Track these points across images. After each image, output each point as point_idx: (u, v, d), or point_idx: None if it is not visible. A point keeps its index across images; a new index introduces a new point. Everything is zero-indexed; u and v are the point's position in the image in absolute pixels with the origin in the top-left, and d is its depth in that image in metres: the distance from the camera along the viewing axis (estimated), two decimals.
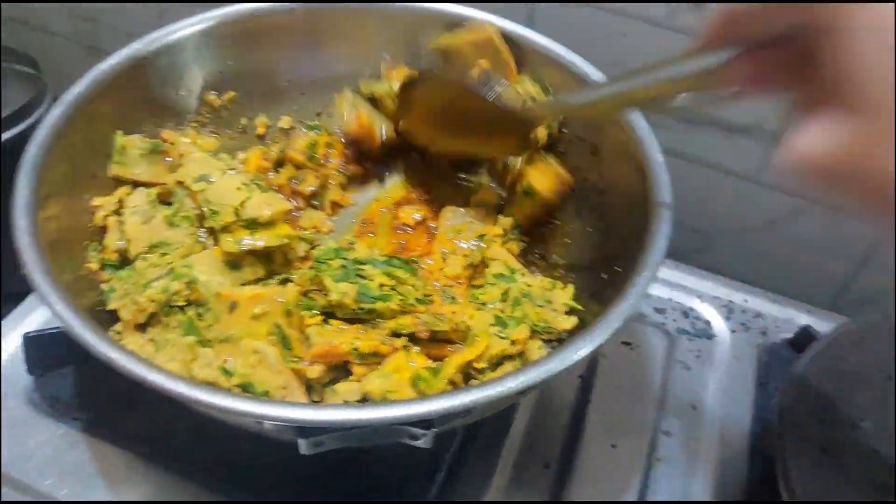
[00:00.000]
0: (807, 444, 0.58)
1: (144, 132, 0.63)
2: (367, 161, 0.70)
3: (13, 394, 0.62)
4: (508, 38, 0.66)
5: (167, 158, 0.63)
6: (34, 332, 0.61)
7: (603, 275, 0.58)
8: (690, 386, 0.68)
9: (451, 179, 0.69)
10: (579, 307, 0.58)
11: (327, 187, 0.68)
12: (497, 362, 0.54)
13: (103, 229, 0.59)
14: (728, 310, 0.75)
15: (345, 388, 0.53)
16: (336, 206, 0.68)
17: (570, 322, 0.57)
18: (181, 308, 0.54)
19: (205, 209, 0.57)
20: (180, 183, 0.59)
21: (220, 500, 0.56)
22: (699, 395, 0.68)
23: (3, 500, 0.56)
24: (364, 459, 0.57)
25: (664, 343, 0.71)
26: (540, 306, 0.58)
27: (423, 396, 0.50)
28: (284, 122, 0.71)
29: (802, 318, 0.74)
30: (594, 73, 0.61)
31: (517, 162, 0.65)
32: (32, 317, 0.67)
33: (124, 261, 0.58)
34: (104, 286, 0.55)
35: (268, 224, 0.57)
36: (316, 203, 0.68)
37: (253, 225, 0.57)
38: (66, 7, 0.95)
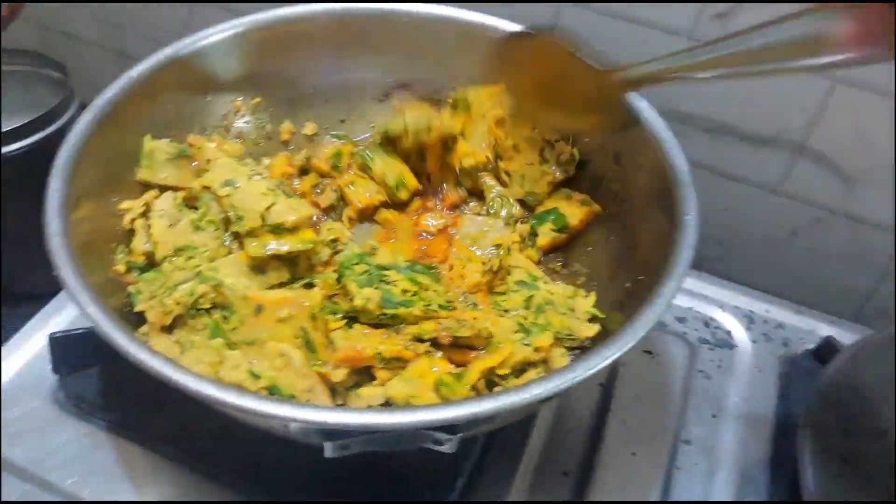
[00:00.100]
0: (829, 454, 0.57)
1: (171, 137, 0.64)
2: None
3: (38, 393, 0.63)
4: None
5: (193, 163, 0.63)
6: (60, 332, 0.61)
7: (626, 284, 0.58)
8: (711, 395, 0.68)
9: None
10: (601, 315, 0.58)
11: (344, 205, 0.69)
12: (521, 369, 0.54)
13: (131, 232, 0.59)
14: (749, 320, 0.74)
15: (368, 393, 0.53)
16: (353, 220, 0.69)
17: (593, 330, 0.57)
18: (207, 311, 0.55)
19: (230, 214, 0.58)
20: (206, 188, 0.60)
21: (243, 501, 0.57)
22: (720, 404, 0.67)
23: (27, 498, 0.56)
24: (385, 465, 0.58)
25: (685, 352, 0.71)
26: (563, 314, 0.58)
27: (446, 402, 0.50)
28: (309, 128, 0.71)
29: (824, 329, 0.73)
30: None
31: (543, 190, 0.66)
32: (58, 317, 0.68)
33: (150, 263, 0.58)
34: (131, 288, 0.56)
35: (292, 229, 0.58)
36: (333, 216, 0.69)
37: (278, 230, 0.57)
38: (94, 13, 0.96)
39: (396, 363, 0.54)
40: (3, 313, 0.76)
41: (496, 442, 0.61)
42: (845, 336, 0.71)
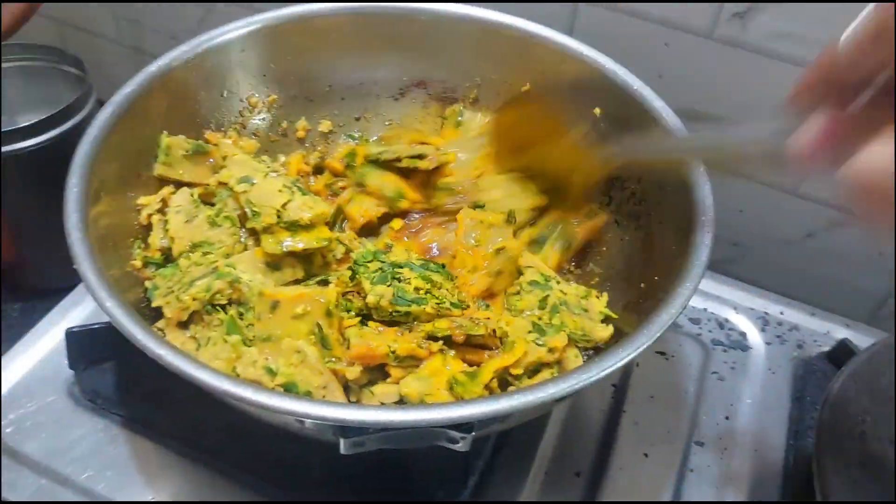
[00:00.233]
0: (845, 459, 0.57)
1: (188, 133, 0.64)
2: None
3: (54, 388, 0.63)
4: None
5: (210, 160, 0.64)
6: (77, 327, 0.62)
7: (641, 284, 0.58)
8: (724, 397, 0.68)
9: None
10: (614, 315, 0.58)
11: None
12: (534, 370, 0.54)
13: (148, 227, 0.60)
14: (764, 321, 0.74)
15: (382, 390, 0.53)
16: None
17: (608, 331, 0.57)
18: (222, 307, 0.55)
19: (247, 210, 0.58)
20: (223, 184, 0.60)
21: (256, 499, 0.57)
22: (733, 406, 0.67)
23: (43, 491, 0.57)
24: (398, 463, 0.58)
25: (699, 354, 0.71)
26: (577, 314, 0.58)
27: (459, 400, 0.50)
28: (324, 126, 0.72)
29: (839, 332, 0.73)
30: (635, 83, 0.61)
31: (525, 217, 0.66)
32: (74, 312, 0.69)
33: (167, 259, 0.59)
34: (148, 284, 0.56)
35: (308, 226, 0.58)
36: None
37: (293, 227, 0.58)
38: (112, 9, 0.97)
39: (410, 361, 0.54)
40: (20, 308, 0.77)
41: (509, 441, 0.61)
42: (860, 339, 0.70)
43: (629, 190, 0.64)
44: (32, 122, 0.68)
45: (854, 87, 0.39)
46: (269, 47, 0.67)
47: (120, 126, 0.57)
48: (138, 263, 0.58)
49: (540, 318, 0.58)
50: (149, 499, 0.57)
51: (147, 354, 0.44)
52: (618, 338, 0.56)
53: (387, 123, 0.73)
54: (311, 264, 0.60)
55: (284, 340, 0.52)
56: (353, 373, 0.52)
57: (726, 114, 0.72)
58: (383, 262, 0.57)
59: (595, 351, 0.58)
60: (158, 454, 0.59)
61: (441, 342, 0.55)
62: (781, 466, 0.63)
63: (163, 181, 0.62)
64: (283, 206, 0.58)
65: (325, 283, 0.58)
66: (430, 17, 0.68)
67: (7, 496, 0.56)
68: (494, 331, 0.56)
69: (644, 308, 0.51)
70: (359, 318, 0.56)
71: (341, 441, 0.43)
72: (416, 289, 0.56)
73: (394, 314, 0.55)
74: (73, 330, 0.61)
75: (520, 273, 0.62)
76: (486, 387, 0.53)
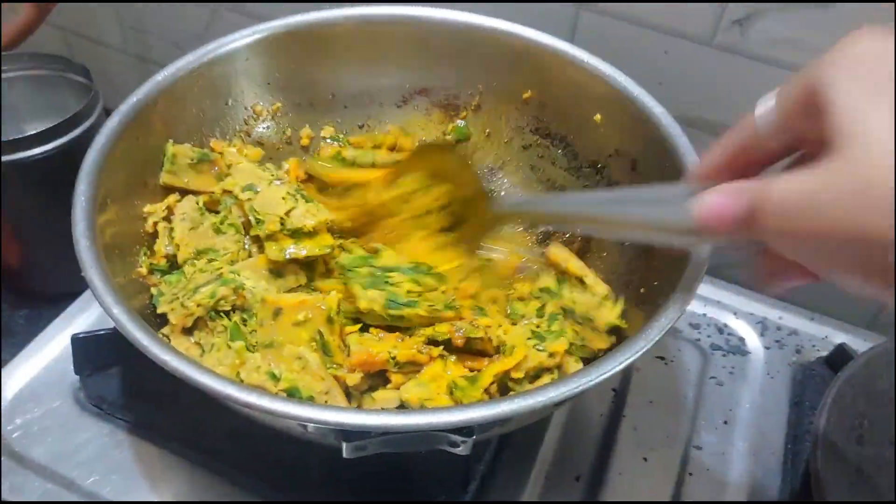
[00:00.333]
0: (843, 463, 0.58)
1: (193, 141, 0.65)
2: None
3: (60, 393, 0.64)
4: None
5: (214, 168, 0.64)
6: (83, 332, 0.63)
7: (641, 289, 0.58)
8: (723, 402, 0.68)
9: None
10: (623, 325, 0.57)
11: None
12: (535, 375, 0.55)
13: (154, 235, 0.60)
14: (763, 326, 0.74)
15: (383, 396, 0.54)
16: None
17: (607, 342, 0.57)
18: (226, 313, 0.56)
19: (251, 218, 0.59)
20: (228, 192, 0.61)
21: (260, 501, 0.58)
22: (732, 411, 0.67)
23: (49, 496, 0.57)
24: (399, 467, 0.58)
25: (698, 358, 0.71)
26: (580, 324, 0.58)
27: (460, 405, 0.51)
28: (328, 133, 0.72)
29: (838, 337, 0.73)
30: (635, 89, 0.62)
31: None
32: (80, 318, 0.69)
33: (172, 266, 0.60)
34: (154, 290, 0.57)
35: (311, 233, 0.59)
36: None
37: (297, 234, 0.58)
38: (118, 18, 0.98)
39: (410, 367, 0.55)
40: (25, 314, 0.78)
41: (509, 445, 0.62)
42: (858, 343, 0.71)
43: None
44: (39, 130, 0.70)
45: (767, 161, 0.39)
46: (274, 56, 0.68)
47: (127, 135, 0.57)
48: (144, 270, 0.58)
49: (538, 326, 0.58)
50: (154, 500, 0.57)
51: (152, 360, 0.44)
52: (617, 342, 0.57)
53: (389, 131, 0.74)
54: (313, 271, 0.60)
55: (286, 347, 0.53)
56: (354, 379, 0.53)
57: (726, 120, 0.73)
58: (373, 266, 0.58)
59: (595, 358, 0.58)
60: (163, 458, 0.60)
61: (441, 347, 0.56)
62: (780, 471, 0.63)
63: (168, 189, 0.63)
64: (287, 213, 0.58)
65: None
66: (431, 24, 0.68)
67: (13, 500, 0.57)
68: (491, 339, 0.56)
69: (644, 312, 0.52)
70: (359, 325, 0.57)
71: (343, 445, 0.44)
72: (409, 292, 0.56)
73: (387, 318, 0.55)
74: (79, 336, 0.62)
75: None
76: (486, 391, 0.53)
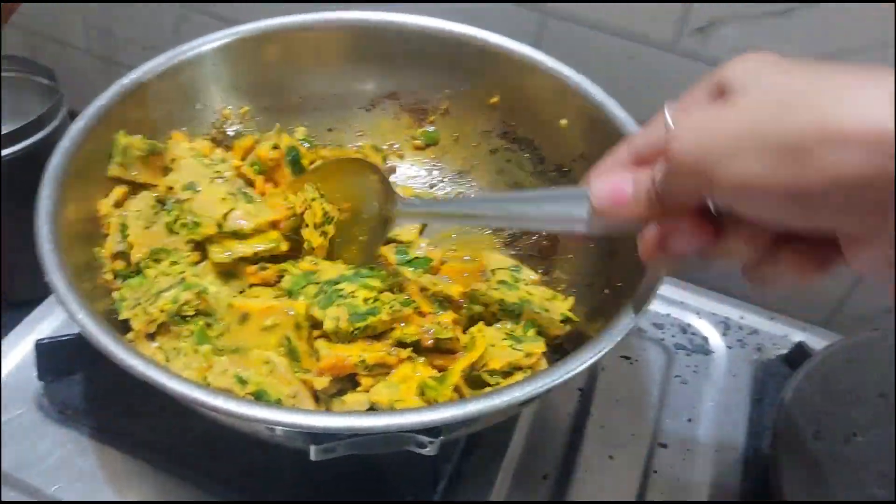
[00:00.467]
0: (800, 458, 0.59)
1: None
2: None
3: (23, 399, 0.63)
4: None
5: (164, 162, 0.63)
6: (46, 338, 0.62)
7: (605, 291, 0.59)
8: (687, 400, 0.70)
9: None
10: (575, 319, 0.59)
11: None
12: (509, 371, 0.56)
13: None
14: (725, 326, 0.76)
15: (353, 399, 0.54)
16: None
17: (563, 329, 0.59)
18: (191, 318, 0.55)
19: (188, 219, 0.58)
20: (170, 189, 0.60)
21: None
22: (696, 409, 0.69)
23: (12, 502, 0.57)
24: (367, 468, 0.59)
25: (662, 357, 0.73)
26: (537, 312, 0.59)
27: (430, 404, 0.51)
28: (300, 133, 0.72)
29: (797, 335, 0.75)
30: (599, 94, 0.63)
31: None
32: (44, 324, 0.68)
33: (135, 270, 0.58)
34: (116, 295, 0.56)
35: (253, 234, 0.58)
36: None
37: (238, 235, 0.58)
38: (84, 20, 0.97)
39: (380, 370, 0.55)
40: None
41: (477, 445, 0.62)
42: (817, 342, 0.73)
43: None
44: (2, 132, 0.69)
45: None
46: (243, 60, 0.68)
47: (92, 138, 0.57)
48: (110, 276, 0.58)
49: (513, 331, 0.59)
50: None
51: (118, 365, 0.44)
52: (582, 342, 0.58)
53: (358, 134, 0.74)
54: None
55: (253, 351, 0.53)
56: (322, 383, 0.53)
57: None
58: (317, 282, 0.56)
59: (560, 356, 0.59)
60: (128, 465, 0.59)
61: (410, 349, 0.56)
62: (741, 466, 0.65)
63: (118, 182, 0.61)
64: (225, 216, 0.57)
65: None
66: (399, 29, 0.69)
67: None
68: (458, 337, 0.57)
69: (608, 313, 0.53)
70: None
71: (311, 447, 0.44)
72: (365, 299, 0.55)
73: (354, 332, 0.54)
74: (43, 342, 0.61)
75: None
76: (456, 389, 0.54)
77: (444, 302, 0.60)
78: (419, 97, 0.73)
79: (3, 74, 0.78)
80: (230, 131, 0.70)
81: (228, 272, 0.58)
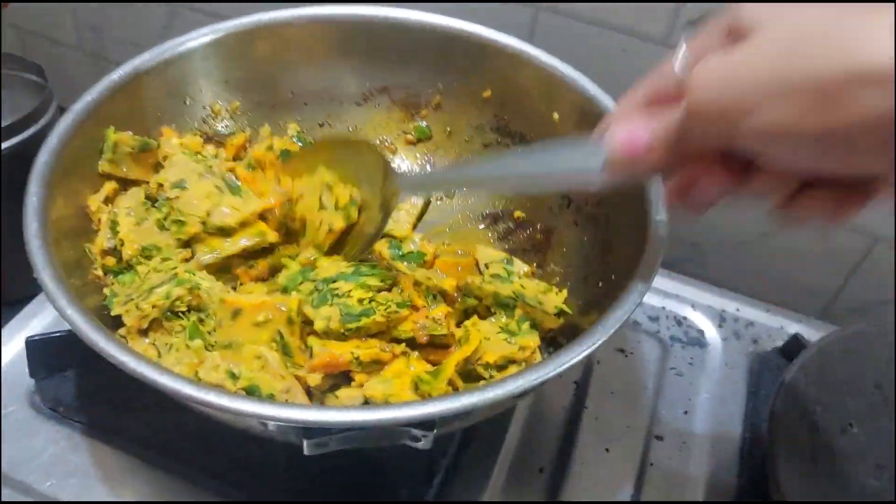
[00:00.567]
0: (796, 449, 0.59)
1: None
2: None
3: (15, 397, 0.62)
4: None
5: (156, 158, 0.63)
6: (37, 335, 0.62)
7: (599, 283, 0.59)
8: (683, 392, 0.70)
9: None
10: (568, 311, 0.59)
11: None
12: (503, 365, 0.55)
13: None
14: (721, 318, 0.76)
15: (347, 395, 0.54)
16: None
17: (557, 322, 0.59)
18: (183, 314, 0.55)
19: (175, 218, 0.57)
20: (161, 186, 0.60)
21: (220, 502, 0.57)
22: (691, 401, 0.69)
23: (4, 500, 0.56)
24: (362, 463, 0.58)
25: (658, 350, 0.73)
26: (531, 306, 0.59)
27: (424, 398, 0.51)
28: (292, 129, 0.72)
29: (793, 327, 0.75)
30: (592, 88, 0.63)
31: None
32: (35, 321, 0.68)
33: (127, 266, 0.58)
34: (107, 291, 0.56)
35: (238, 227, 0.58)
36: None
37: (224, 231, 0.57)
38: (73, 16, 0.96)
39: (374, 366, 0.54)
40: None
41: (473, 439, 0.62)
42: (812, 334, 0.73)
43: (587, 191, 0.65)
44: None
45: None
46: (232, 55, 0.67)
47: (81, 134, 0.56)
48: (100, 272, 0.57)
49: (507, 325, 0.59)
50: (112, 501, 0.57)
51: (109, 361, 0.44)
52: (577, 335, 0.58)
53: (350, 129, 0.74)
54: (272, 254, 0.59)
55: (246, 346, 0.52)
56: (316, 379, 0.52)
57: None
58: (314, 280, 0.56)
59: (554, 349, 0.59)
60: (121, 461, 0.59)
61: (404, 344, 0.56)
62: (738, 458, 0.65)
63: (106, 178, 0.61)
64: (209, 213, 0.57)
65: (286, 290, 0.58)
66: (391, 24, 0.69)
67: None
68: (453, 333, 0.57)
69: (602, 306, 0.53)
70: None
71: (304, 442, 0.44)
72: (360, 300, 0.54)
73: (346, 333, 0.53)
74: (34, 339, 0.61)
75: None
76: (450, 383, 0.54)
77: (438, 296, 0.60)
78: (411, 92, 0.73)
79: None
80: (220, 127, 0.70)
81: (221, 267, 0.58)
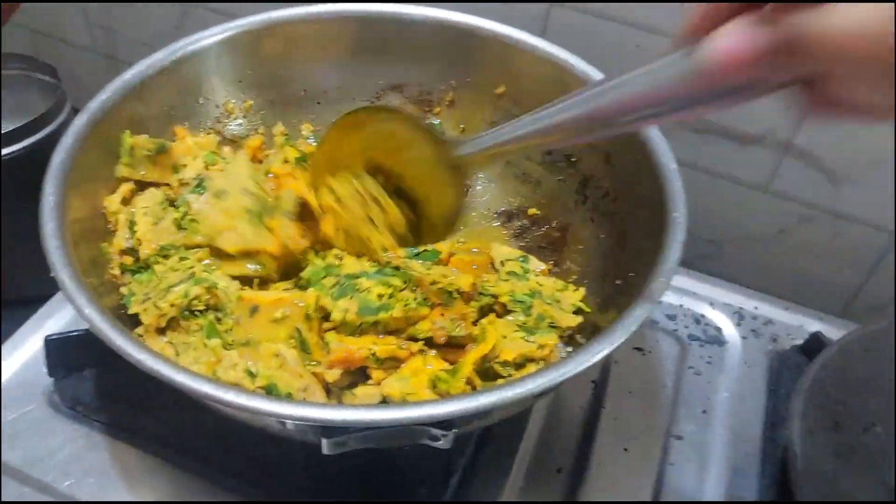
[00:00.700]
0: (819, 449, 0.58)
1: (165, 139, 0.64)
2: None
3: (34, 396, 0.63)
4: None
5: (173, 160, 0.63)
6: (55, 334, 0.62)
7: (617, 281, 0.58)
8: (702, 391, 0.69)
9: None
10: (587, 309, 0.59)
11: None
12: (521, 363, 0.55)
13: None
14: (739, 316, 0.75)
15: (364, 392, 0.54)
16: None
17: (575, 320, 0.58)
18: (200, 312, 0.55)
19: (185, 221, 0.58)
20: (185, 183, 0.60)
21: (238, 501, 0.57)
22: (710, 400, 0.68)
23: (26, 500, 0.56)
24: (380, 463, 0.58)
25: (676, 349, 0.72)
26: (549, 304, 0.59)
27: (442, 397, 0.51)
28: (306, 129, 0.72)
29: (813, 325, 0.74)
30: None
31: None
32: (52, 320, 0.68)
33: (144, 266, 0.58)
34: (124, 290, 0.56)
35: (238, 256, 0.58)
36: None
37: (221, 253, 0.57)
38: (86, 17, 0.97)
39: (391, 363, 0.54)
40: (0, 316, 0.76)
41: (491, 438, 0.62)
42: (833, 332, 0.71)
43: (602, 189, 0.65)
44: (6, 130, 0.68)
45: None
46: (245, 54, 0.67)
47: (95, 133, 0.56)
48: (117, 271, 0.57)
49: (525, 323, 0.58)
50: (130, 500, 0.57)
51: (127, 360, 0.44)
52: (595, 334, 0.57)
53: None
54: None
55: (263, 344, 0.52)
56: (333, 375, 0.53)
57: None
58: (338, 275, 0.56)
59: (573, 348, 0.58)
60: (139, 459, 0.59)
61: (422, 343, 0.56)
62: (759, 458, 0.64)
63: (125, 181, 0.61)
64: (220, 231, 0.57)
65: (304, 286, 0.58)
66: (403, 21, 0.68)
67: None
68: (471, 332, 0.56)
69: (620, 304, 0.52)
70: None
71: (323, 441, 0.44)
72: (380, 295, 0.55)
73: (363, 326, 0.54)
74: (52, 337, 0.61)
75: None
76: (468, 381, 0.53)
77: (455, 294, 0.60)
78: (424, 88, 0.72)
79: (5, 73, 0.78)
80: (234, 125, 0.70)
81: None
